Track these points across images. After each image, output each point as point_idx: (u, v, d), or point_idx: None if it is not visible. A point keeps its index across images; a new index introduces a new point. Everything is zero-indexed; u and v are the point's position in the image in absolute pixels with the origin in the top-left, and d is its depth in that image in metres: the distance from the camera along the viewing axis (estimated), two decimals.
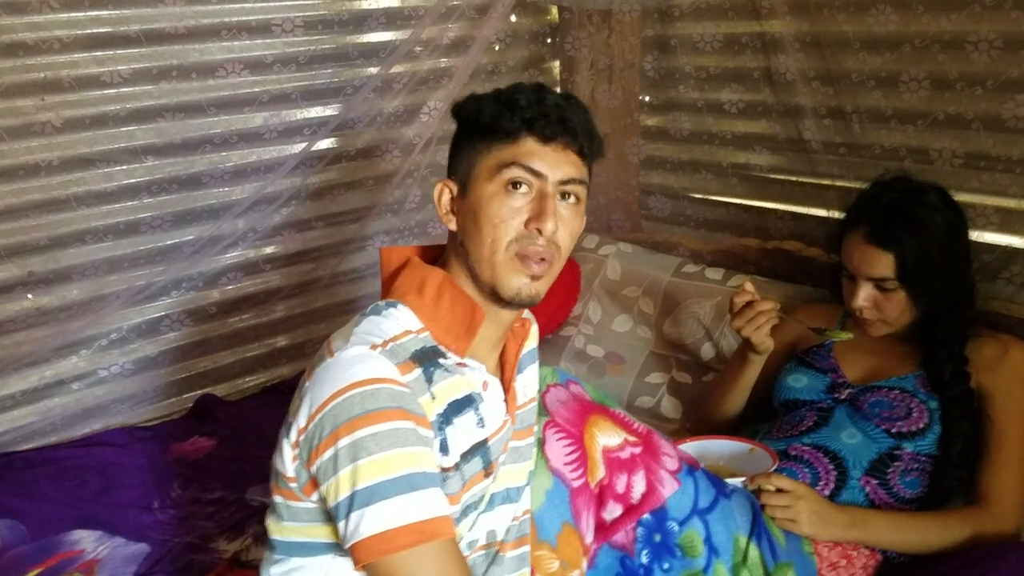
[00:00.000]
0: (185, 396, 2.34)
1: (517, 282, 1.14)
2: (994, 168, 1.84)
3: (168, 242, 2.18)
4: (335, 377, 1.05)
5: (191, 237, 2.18)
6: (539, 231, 1.12)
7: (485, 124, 1.13)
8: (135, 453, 2.07)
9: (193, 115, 2.11)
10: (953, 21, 1.81)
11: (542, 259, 1.13)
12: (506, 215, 1.12)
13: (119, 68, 2.00)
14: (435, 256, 1.25)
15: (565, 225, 1.15)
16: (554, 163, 1.13)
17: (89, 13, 1.95)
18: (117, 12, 1.97)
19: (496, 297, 1.15)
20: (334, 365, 1.07)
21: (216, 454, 2.08)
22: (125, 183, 2.09)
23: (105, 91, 2.01)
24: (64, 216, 2.04)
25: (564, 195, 1.15)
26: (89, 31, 1.96)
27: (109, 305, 2.09)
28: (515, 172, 1.12)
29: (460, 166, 1.18)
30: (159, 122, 2.08)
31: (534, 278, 1.14)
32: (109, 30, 1.98)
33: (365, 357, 1.06)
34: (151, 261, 2.17)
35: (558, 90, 1.20)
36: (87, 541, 1.76)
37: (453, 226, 1.18)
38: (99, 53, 1.98)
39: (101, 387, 2.21)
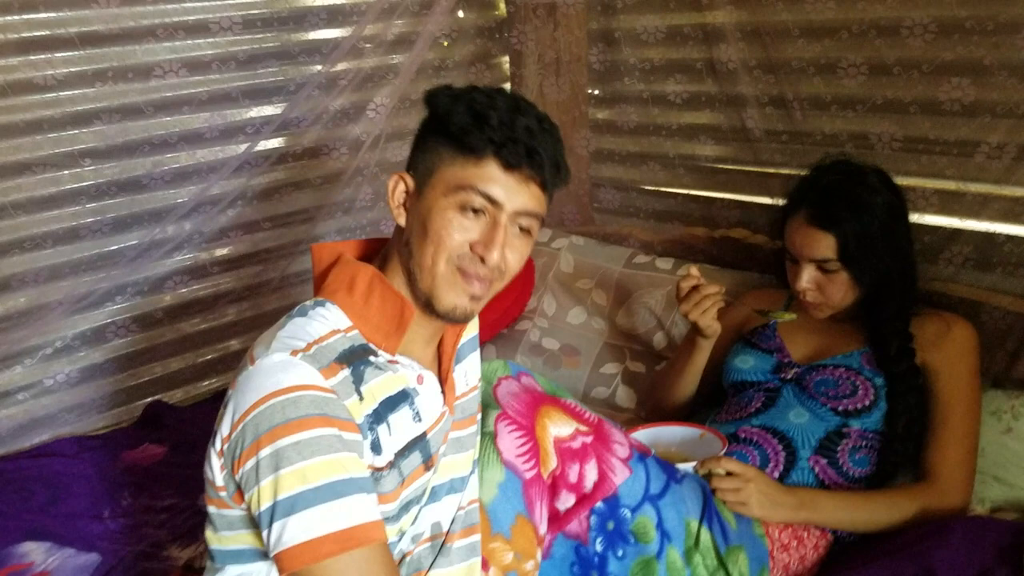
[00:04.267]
0: (135, 404, 2.31)
1: (454, 299, 1.14)
2: (932, 151, 1.87)
3: (111, 247, 2.15)
4: (256, 386, 1.04)
5: (134, 242, 2.15)
6: (482, 259, 1.11)
7: (452, 133, 1.10)
8: (84, 463, 2.03)
9: (132, 117, 2.08)
10: (888, 6, 1.84)
11: (482, 285, 1.14)
12: (454, 233, 1.11)
13: (55, 71, 1.96)
14: (369, 251, 1.24)
15: (513, 252, 1.14)
16: (513, 193, 1.11)
17: (23, 16, 1.90)
18: (52, 14, 1.93)
19: (430, 308, 1.15)
20: (255, 373, 1.05)
21: (167, 461, 2.05)
22: (64, 188, 2.05)
23: (41, 95, 1.96)
24: (3, 224, 2.00)
25: (520, 228, 1.14)
26: (23, 34, 1.92)
27: (52, 313, 2.05)
28: (471, 197, 1.10)
29: (420, 164, 1.15)
30: (97, 125, 2.04)
31: (473, 298, 1.15)
32: (44, 33, 1.93)
33: (286, 364, 1.05)
34: (94, 267, 2.14)
35: (527, 99, 1.16)
36: (36, 553, 1.72)
37: (402, 221, 1.17)
38: (33, 56, 1.93)
39: (48, 397, 2.17)
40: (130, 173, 2.12)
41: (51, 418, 2.18)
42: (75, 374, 2.19)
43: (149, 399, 2.31)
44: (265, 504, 1.01)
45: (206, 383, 2.45)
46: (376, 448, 1.09)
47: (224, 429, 1.06)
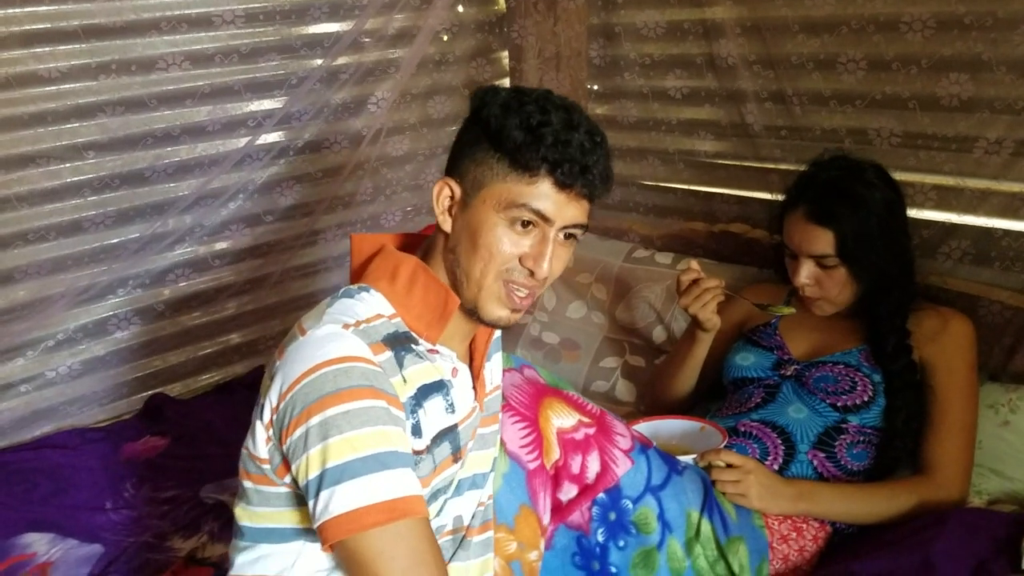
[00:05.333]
0: (136, 396, 2.31)
1: (499, 312, 1.15)
2: (930, 146, 1.88)
3: (113, 240, 2.15)
4: (307, 356, 1.05)
5: (136, 235, 2.15)
6: (532, 272, 1.12)
7: (505, 148, 1.09)
8: (86, 454, 2.04)
9: (135, 110, 2.08)
10: (887, 2, 1.85)
11: (527, 294, 1.15)
12: (504, 248, 1.11)
13: (58, 64, 1.96)
14: (407, 245, 1.24)
15: (558, 261, 1.15)
16: (564, 208, 1.11)
17: (26, 8, 1.90)
18: (55, 7, 1.93)
19: (474, 315, 1.17)
20: (306, 344, 1.06)
21: (169, 453, 2.06)
22: (67, 181, 2.05)
23: (44, 87, 1.96)
24: (5, 216, 2.00)
25: (565, 235, 1.15)
26: (26, 27, 1.92)
27: (54, 305, 2.05)
28: (525, 215, 1.10)
29: (467, 172, 1.14)
30: (100, 118, 2.04)
31: (515, 310, 1.16)
32: (47, 25, 1.94)
33: (338, 335, 1.06)
34: (96, 260, 2.14)
35: (575, 110, 1.13)
36: (39, 544, 1.73)
37: (448, 228, 1.16)
38: (37, 49, 1.94)
39: (50, 389, 2.17)
40: (132, 166, 2.12)
41: (53, 410, 2.18)
42: (77, 366, 2.19)
43: (150, 392, 2.32)
44: (313, 473, 1.02)
45: (206, 376, 2.45)
46: (416, 431, 1.11)
47: (272, 399, 1.06)
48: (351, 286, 1.16)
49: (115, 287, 2.19)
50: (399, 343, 1.12)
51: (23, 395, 2.14)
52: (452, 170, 1.17)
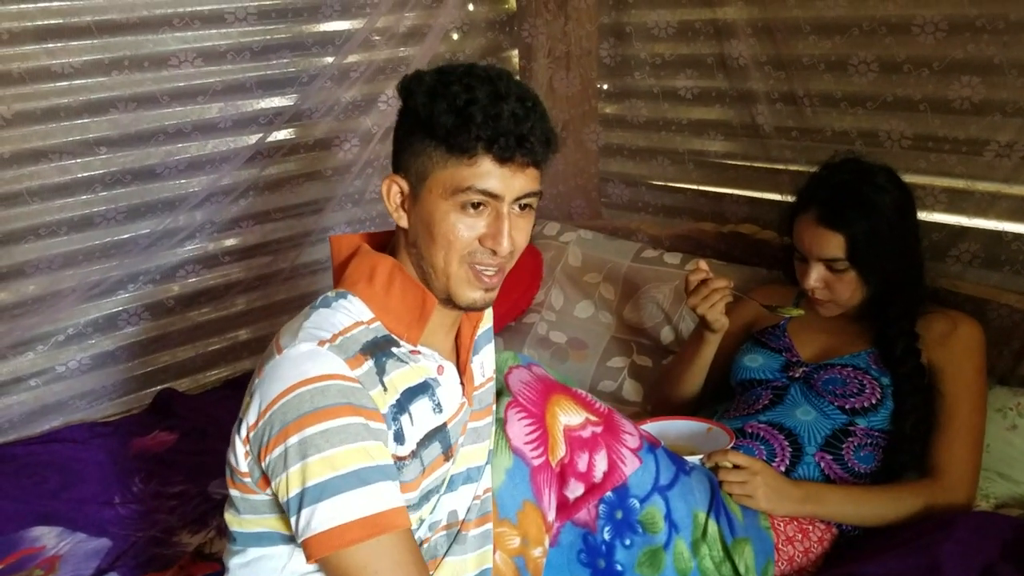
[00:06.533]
0: (145, 391, 2.33)
1: (472, 295, 1.15)
2: (941, 149, 1.88)
3: (124, 235, 2.16)
4: (283, 375, 1.05)
5: (147, 230, 2.16)
6: (493, 251, 1.12)
7: (438, 135, 1.08)
8: (95, 449, 2.05)
9: (147, 106, 2.09)
10: (899, 4, 1.85)
11: (496, 271, 1.15)
12: (460, 233, 1.11)
13: (71, 59, 1.97)
14: (385, 243, 1.24)
15: (519, 233, 1.14)
16: (510, 181, 1.10)
17: (39, 4, 1.92)
18: (67, 3, 1.95)
19: (450, 303, 1.16)
20: (282, 362, 1.06)
21: (177, 448, 2.07)
22: (79, 176, 2.07)
23: (57, 83, 1.98)
24: (17, 211, 2.02)
25: (520, 207, 1.14)
26: (39, 22, 1.93)
27: (65, 300, 2.07)
28: (473, 197, 1.09)
29: (410, 165, 1.13)
30: (112, 114, 2.06)
31: (488, 290, 1.16)
32: (60, 21, 1.95)
33: (313, 354, 1.06)
34: (107, 255, 2.15)
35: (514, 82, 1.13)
36: (47, 537, 1.74)
37: (404, 223, 1.16)
38: (50, 45, 1.95)
39: (59, 383, 2.19)
40: (144, 162, 2.14)
41: (62, 404, 2.20)
42: (87, 361, 2.21)
43: (159, 387, 2.33)
44: (293, 491, 1.03)
45: (215, 372, 2.46)
46: (399, 438, 1.11)
47: (251, 417, 1.07)
48: (329, 294, 1.16)
49: (125, 282, 2.20)
50: (379, 349, 1.12)
51: (33, 389, 2.15)
52: (396, 165, 1.17)
